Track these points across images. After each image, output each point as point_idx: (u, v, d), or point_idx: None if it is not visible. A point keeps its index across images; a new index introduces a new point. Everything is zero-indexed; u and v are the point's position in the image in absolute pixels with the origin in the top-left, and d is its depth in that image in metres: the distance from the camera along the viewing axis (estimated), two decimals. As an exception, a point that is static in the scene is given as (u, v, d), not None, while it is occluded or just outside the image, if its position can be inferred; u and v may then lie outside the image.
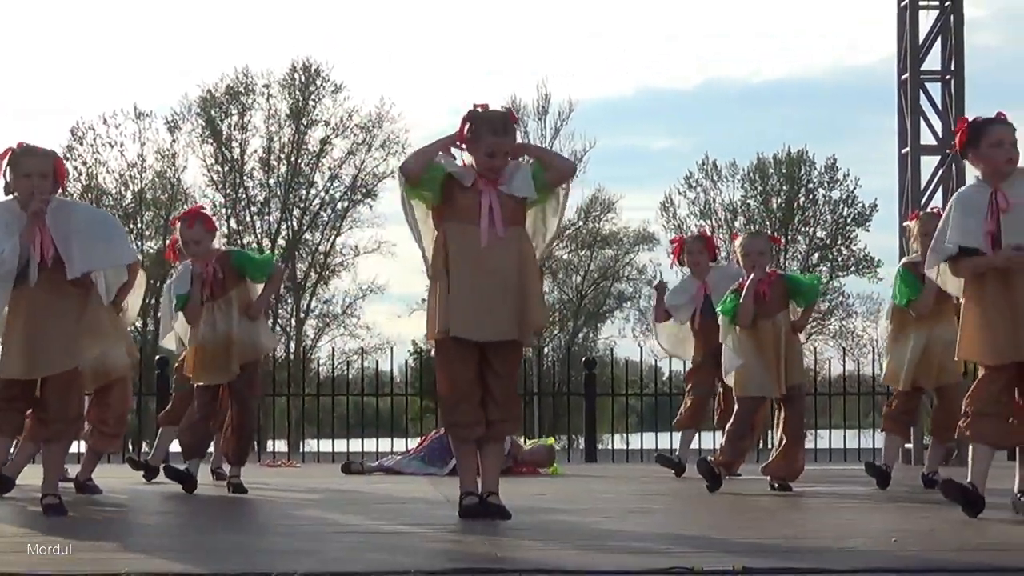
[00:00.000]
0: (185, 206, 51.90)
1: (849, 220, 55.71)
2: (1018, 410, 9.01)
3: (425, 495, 11.62)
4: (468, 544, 7.71)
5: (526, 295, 8.82)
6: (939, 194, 18.13)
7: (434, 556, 7.13)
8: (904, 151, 18.24)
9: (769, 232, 49.52)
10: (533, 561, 6.66)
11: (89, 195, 50.84)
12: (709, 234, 17.28)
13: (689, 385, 14.48)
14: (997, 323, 8.79)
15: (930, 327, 11.91)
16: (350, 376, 25.18)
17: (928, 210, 14.47)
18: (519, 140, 9.13)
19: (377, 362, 31.92)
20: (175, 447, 12.57)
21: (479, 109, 8.87)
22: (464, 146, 8.85)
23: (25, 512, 9.47)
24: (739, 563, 6.44)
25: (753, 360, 11.50)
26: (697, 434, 15.32)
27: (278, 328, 51.58)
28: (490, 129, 8.74)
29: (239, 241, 49.79)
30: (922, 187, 18.08)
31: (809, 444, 15.10)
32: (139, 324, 46.88)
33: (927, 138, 18.15)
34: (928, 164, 18.17)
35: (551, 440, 17.26)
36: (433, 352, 9.22)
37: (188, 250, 11.36)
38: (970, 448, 9.14)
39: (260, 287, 11.52)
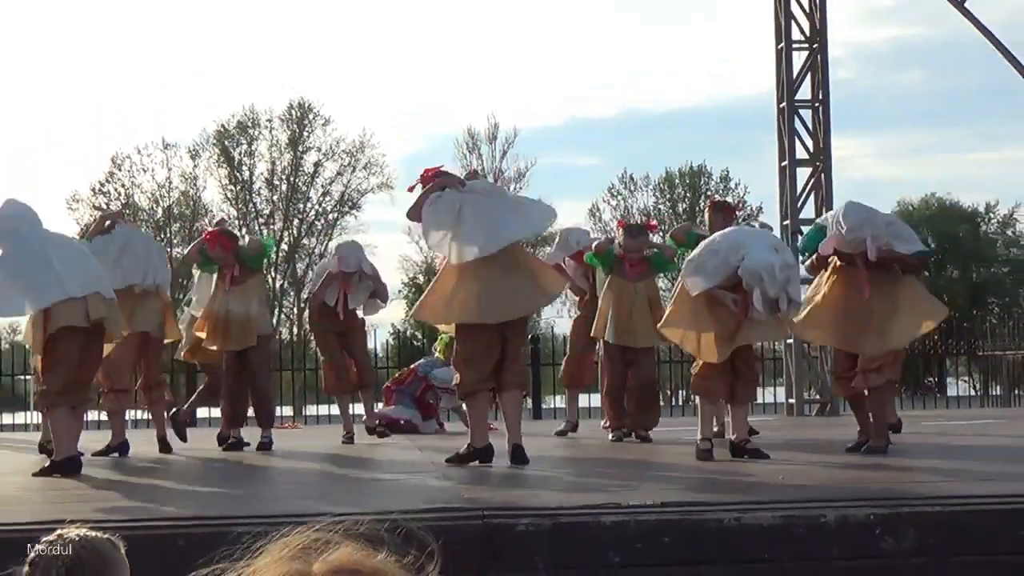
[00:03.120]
0: (205, 219, 51.68)
1: (740, 220, 55.53)
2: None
3: (405, 449, 11.59)
4: (440, 489, 7.72)
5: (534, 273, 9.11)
6: (811, 199, 18.18)
7: (414, 498, 7.15)
8: (783, 164, 18.27)
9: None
10: (495, 501, 6.69)
11: (127, 211, 50.54)
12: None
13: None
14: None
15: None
16: (342, 354, 25.13)
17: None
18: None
19: (364, 342, 31.72)
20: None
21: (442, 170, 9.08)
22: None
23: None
24: (657, 499, 6.49)
25: (609, 311, 11.51)
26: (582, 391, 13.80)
27: (283, 316, 51.38)
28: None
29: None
30: (798, 192, 18.13)
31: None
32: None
33: (801, 153, 18.19)
34: (802, 174, 18.20)
35: None
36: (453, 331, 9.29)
37: (216, 263, 11.48)
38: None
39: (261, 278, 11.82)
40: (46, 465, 9.03)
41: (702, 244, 9.69)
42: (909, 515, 6.25)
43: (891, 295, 9.56)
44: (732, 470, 8.80)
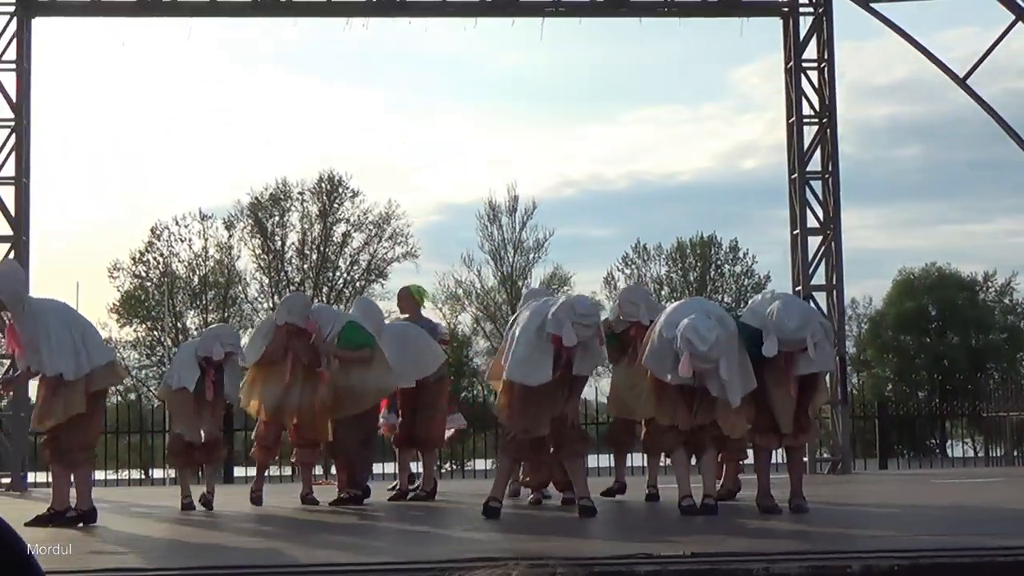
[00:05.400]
0: (239, 287, 51.86)
1: (749, 288, 55.47)
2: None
3: (440, 504, 11.55)
4: (480, 538, 7.68)
5: None
6: (822, 266, 18.17)
7: (455, 548, 7.10)
8: (795, 232, 18.28)
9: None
10: (533, 550, 6.65)
11: (165, 279, 50.76)
12: None
13: None
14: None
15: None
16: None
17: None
18: None
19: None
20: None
21: None
22: None
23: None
24: (687, 549, 6.44)
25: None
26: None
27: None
28: None
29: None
30: (809, 259, 18.13)
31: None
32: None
33: (812, 222, 18.19)
34: (813, 242, 18.20)
35: None
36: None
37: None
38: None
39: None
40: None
41: (654, 330, 9.49)
42: (930, 566, 6.20)
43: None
44: (757, 523, 8.74)
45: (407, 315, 12.72)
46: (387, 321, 12.92)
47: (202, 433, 11.07)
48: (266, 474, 12.41)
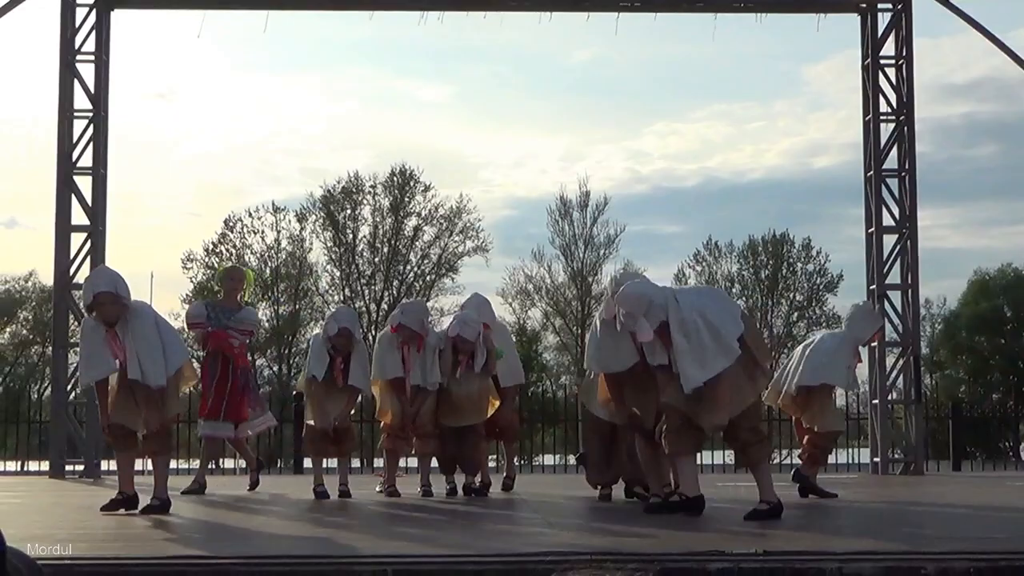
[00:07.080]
0: (310, 280, 52.15)
1: (821, 287, 55.18)
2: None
3: (510, 497, 11.54)
4: (548, 534, 7.65)
5: None
6: (897, 264, 17.97)
7: (523, 543, 7.06)
8: (870, 231, 18.08)
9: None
10: (602, 546, 6.62)
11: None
12: None
13: None
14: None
15: None
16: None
17: None
18: None
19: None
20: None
21: None
22: None
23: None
24: (760, 547, 6.39)
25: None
26: None
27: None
28: None
29: (352, 306, 49.85)
30: (884, 258, 17.93)
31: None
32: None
33: (887, 221, 18.00)
34: (888, 241, 18.01)
35: None
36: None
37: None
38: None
39: None
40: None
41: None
42: (1008, 568, 6.10)
43: None
44: (829, 522, 8.66)
45: (222, 295, 12.91)
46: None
47: (333, 421, 11.23)
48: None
